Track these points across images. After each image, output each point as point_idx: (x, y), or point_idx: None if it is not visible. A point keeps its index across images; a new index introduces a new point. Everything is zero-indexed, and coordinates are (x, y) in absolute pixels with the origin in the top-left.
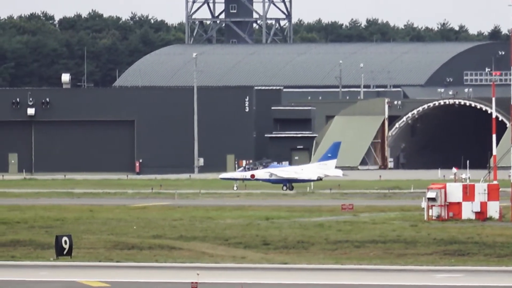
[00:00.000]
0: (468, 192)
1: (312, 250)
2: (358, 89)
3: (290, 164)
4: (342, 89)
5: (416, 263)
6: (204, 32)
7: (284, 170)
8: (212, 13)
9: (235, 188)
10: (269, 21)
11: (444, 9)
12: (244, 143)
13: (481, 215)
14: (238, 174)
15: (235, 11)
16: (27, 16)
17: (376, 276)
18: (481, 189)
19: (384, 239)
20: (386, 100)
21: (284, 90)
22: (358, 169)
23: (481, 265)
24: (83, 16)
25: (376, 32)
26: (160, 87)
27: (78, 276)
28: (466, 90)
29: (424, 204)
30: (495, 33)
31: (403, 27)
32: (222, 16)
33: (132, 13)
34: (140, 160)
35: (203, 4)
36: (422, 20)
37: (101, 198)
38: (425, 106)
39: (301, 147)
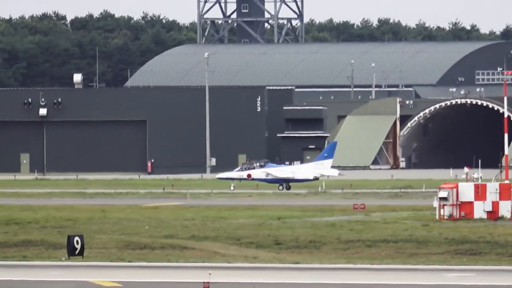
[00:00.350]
0: (480, 192)
1: (324, 250)
2: (370, 89)
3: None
4: (354, 89)
5: (428, 263)
6: (215, 32)
7: (280, 170)
8: (223, 13)
9: (232, 188)
10: (280, 21)
11: (456, 8)
12: (256, 143)
13: (493, 214)
14: (235, 174)
15: (246, 10)
16: (39, 16)
17: (388, 276)
18: (492, 188)
19: (396, 239)
20: (398, 99)
21: (296, 90)
22: (370, 169)
23: (493, 264)
24: (95, 16)
25: (388, 32)
26: (172, 87)
27: (90, 276)
28: (477, 89)
29: (435, 204)
30: (507, 32)
31: (414, 27)
32: (234, 15)
33: (143, 13)
34: (152, 160)
35: (215, 3)
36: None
37: (113, 198)
38: (437, 105)
39: (313, 146)
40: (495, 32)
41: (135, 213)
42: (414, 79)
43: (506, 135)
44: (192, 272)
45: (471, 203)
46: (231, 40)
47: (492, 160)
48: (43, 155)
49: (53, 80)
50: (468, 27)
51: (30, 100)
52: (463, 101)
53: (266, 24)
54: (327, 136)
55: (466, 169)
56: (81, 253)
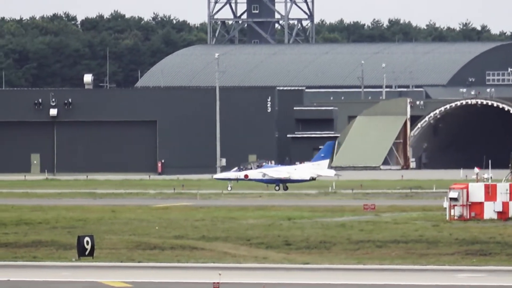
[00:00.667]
0: (490, 192)
1: (334, 250)
2: (380, 89)
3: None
4: (364, 89)
5: (438, 263)
6: (226, 32)
7: (276, 170)
8: (234, 13)
9: (229, 188)
10: (291, 21)
11: (466, 9)
12: (266, 143)
13: (503, 215)
14: (232, 174)
15: (257, 11)
16: (50, 16)
17: (398, 276)
18: (503, 189)
19: (406, 239)
20: (408, 100)
21: (306, 90)
22: (380, 169)
23: (503, 265)
24: (105, 17)
25: (398, 32)
26: (182, 87)
27: (100, 277)
28: (488, 90)
29: (446, 204)
30: None
31: (425, 27)
32: (244, 16)
33: (154, 13)
34: (162, 161)
35: (225, 4)
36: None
37: (123, 198)
38: (447, 106)
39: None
40: (505, 33)
41: (145, 214)
42: (424, 80)
43: None
44: (202, 272)
45: (481, 203)
46: (241, 41)
47: (503, 160)
48: (53, 155)
49: (63, 81)
50: (479, 28)
51: (40, 100)
52: (474, 101)
53: (276, 25)
54: (337, 137)
55: (476, 170)
56: (91, 253)
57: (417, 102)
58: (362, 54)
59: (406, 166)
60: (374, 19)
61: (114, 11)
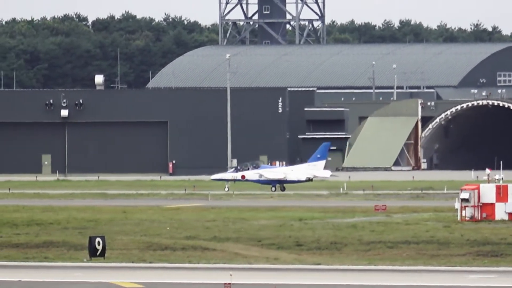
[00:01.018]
0: (502, 193)
1: (345, 251)
2: (391, 90)
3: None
4: (375, 90)
5: (449, 264)
6: (237, 33)
7: (273, 171)
8: (245, 14)
9: (226, 189)
10: (302, 22)
11: (478, 10)
12: (277, 144)
13: None
14: (229, 175)
15: (268, 12)
16: (61, 17)
17: (409, 277)
18: None
19: (417, 240)
20: (419, 101)
21: (317, 91)
22: (391, 170)
23: None
24: (116, 18)
25: (409, 33)
26: (193, 88)
27: (111, 277)
28: (499, 91)
29: (457, 205)
30: None
31: (436, 28)
32: (255, 17)
33: (165, 14)
34: (174, 161)
35: (236, 5)
36: (455, 21)
37: (134, 199)
38: (458, 107)
39: (334, 148)
40: None
41: (157, 214)
42: (435, 81)
43: None
44: (214, 273)
45: (492, 204)
46: (252, 42)
47: None
48: (64, 156)
49: (74, 81)
50: (490, 29)
51: (51, 101)
52: (485, 102)
53: (287, 26)
54: (348, 137)
55: (487, 171)
56: (102, 254)
57: (428, 103)
58: (373, 55)
59: (417, 167)
60: (385, 20)
61: (125, 11)
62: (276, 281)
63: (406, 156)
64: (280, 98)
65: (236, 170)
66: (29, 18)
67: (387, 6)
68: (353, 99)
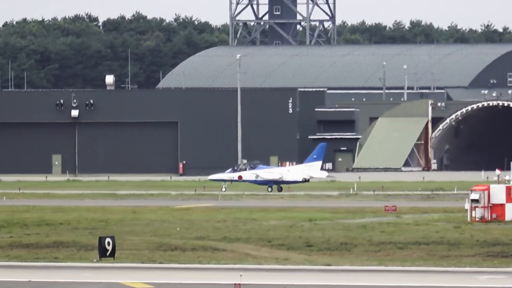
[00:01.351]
0: None
1: (355, 252)
2: (402, 91)
3: (334, 166)
4: (386, 91)
5: (459, 265)
6: (247, 33)
7: (269, 172)
8: (255, 15)
9: (223, 189)
10: (312, 23)
11: (488, 10)
12: (288, 144)
13: None
14: (226, 175)
15: (279, 12)
16: (72, 17)
17: (419, 278)
18: None
19: (427, 241)
20: (430, 101)
21: (328, 91)
22: (402, 171)
23: None
24: (127, 18)
25: (420, 34)
26: (203, 88)
27: (121, 278)
28: (510, 91)
29: (467, 206)
30: None
31: (446, 29)
32: (266, 17)
33: (176, 14)
34: (184, 162)
35: (247, 5)
36: (466, 21)
37: (144, 199)
38: (469, 107)
39: (345, 148)
40: None
41: (167, 215)
42: (446, 81)
43: None
44: (224, 273)
45: (502, 205)
46: (263, 42)
47: None
48: (75, 156)
49: (85, 82)
50: (501, 30)
51: (62, 101)
52: (495, 103)
53: (298, 26)
54: (359, 138)
55: (497, 171)
56: (112, 254)
57: (439, 104)
58: (383, 55)
59: (427, 168)
60: (396, 21)
61: (136, 12)
62: (286, 281)
63: (416, 156)
64: (291, 99)
65: (234, 170)
66: (40, 19)
67: (398, 7)
68: (364, 99)
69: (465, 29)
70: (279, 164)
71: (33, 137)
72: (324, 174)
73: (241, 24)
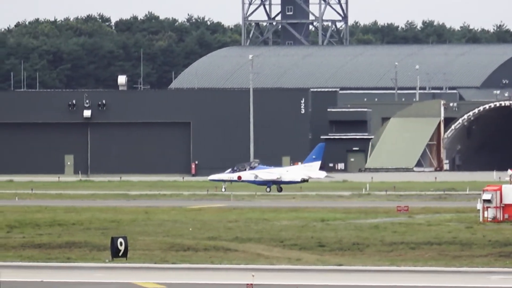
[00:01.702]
0: None
1: (367, 252)
2: (414, 91)
3: (346, 166)
4: (398, 91)
5: (471, 265)
6: (260, 33)
7: (268, 172)
8: (268, 15)
9: (223, 189)
10: (325, 23)
11: (500, 10)
12: (300, 144)
13: None
14: (226, 175)
15: (291, 13)
16: (84, 18)
17: (431, 278)
18: None
19: (439, 241)
20: (442, 102)
21: (340, 92)
22: (414, 171)
23: None
24: (139, 18)
25: (432, 34)
26: (216, 89)
27: (134, 278)
28: None
29: (479, 206)
30: None
31: (459, 29)
32: (278, 17)
33: (188, 15)
34: (196, 162)
35: (259, 6)
36: (478, 21)
37: (156, 199)
38: (481, 108)
39: (357, 149)
40: None
41: (179, 215)
42: (458, 82)
43: None
44: (236, 274)
45: None
46: (275, 42)
47: None
48: (87, 156)
49: (97, 82)
50: None
51: (74, 101)
52: (507, 103)
53: (310, 26)
54: (371, 138)
55: (510, 171)
56: (124, 254)
57: (451, 104)
58: (396, 55)
59: (439, 168)
60: (408, 21)
61: (148, 12)
62: (298, 281)
63: (428, 157)
64: (303, 99)
65: (233, 170)
66: (52, 19)
67: (410, 7)
68: (376, 100)
69: (477, 29)
70: (291, 164)
71: (45, 137)
72: (322, 174)
73: (253, 24)
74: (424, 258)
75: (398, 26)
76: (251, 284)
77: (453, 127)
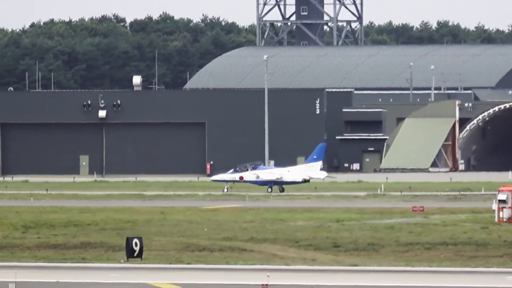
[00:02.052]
0: None
1: (383, 252)
2: (429, 91)
3: (361, 167)
4: (413, 91)
5: (487, 265)
6: (275, 34)
7: (269, 172)
8: (283, 15)
9: (225, 190)
10: (340, 23)
11: None
12: (315, 145)
13: None
14: (228, 176)
15: (306, 13)
16: (99, 18)
17: (447, 278)
18: None
19: (455, 241)
20: (457, 102)
21: (355, 92)
22: (429, 171)
23: None
24: (154, 18)
25: (447, 34)
26: (231, 89)
27: (149, 278)
28: None
29: (495, 206)
30: None
31: (474, 29)
32: (293, 18)
33: (203, 15)
34: (211, 162)
35: (274, 6)
36: (493, 22)
37: (172, 200)
38: (496, 108)
39: (372, 149)
40: None
41: (194, 215)
42: (473, 82)
43: None
44: (251, 274)
45: None
46: (290, 43)
47: None
48: (102, 157)
49: (112, 82)
50: None
51: (89, 102)
52: None
53: (325, 27)
54: (386, 139)
55: None
56: (140, 255)
57: (466, 104)
58: (410, 56)
59: (454, 168)
60: (423, 21)
61: (163, 12)
62: (313, 282)
63: (443, 157)
64: (318, 99)
65: (235, 171)
66: (67, 19)
67: (424, 7)
68: (391, 100)
69: (492, 30)
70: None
71: (60, 138)
72: (323, 175)
73: (268, 24)
74: (439, 259)
75: (413, 27)
76: (267, 285)
77: (468, 127)
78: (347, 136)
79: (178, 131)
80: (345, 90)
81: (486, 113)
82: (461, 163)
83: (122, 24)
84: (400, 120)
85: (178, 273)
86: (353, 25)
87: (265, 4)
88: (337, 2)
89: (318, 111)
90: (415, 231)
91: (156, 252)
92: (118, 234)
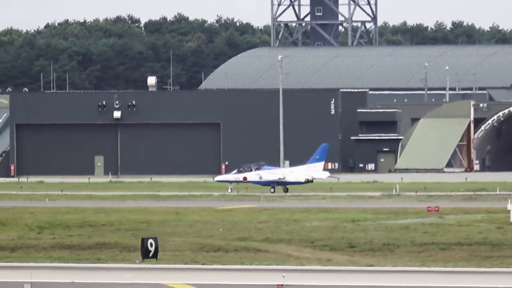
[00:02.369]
0: None
1: (398, 253)
2: (444, 92)
3: (376, 167)
4: (428, 92)
5: (502, 266)
6: (289, 34)
7: (272, 173)
8: (297, 16)
9: (229, 190)
10: (354, 24)
11: None
12: (330, 145)
13: None
14: (232, 176)
15: (320, 13)
16: (113, 19)
17: (462, 278)
18: None
19: (470, 241)
20: (472, 102)
21: (370, 92)
22: (444, 172)
23: None
24: (168, 19)
25: (462, 35)
26: (245, 89)
27: (164, 279)
28: None
29: (510, 206)
30: None
31: (488, 29)
32: (308, 18)
33: (217, 16)
34: (226, 163)
35: (289, 6)
36: (508, 22)
37: (187, 200)
38: (511, 108)
39: (387, 149)
40: None
41: (209, 216)
42: (487, 82)
43: None
44: (266, 274)
45: None
46: (304, 43)
47: None
48: (117, 157)
49: (127, 83)
50: None
51: (104, 102)
52: None
53: (339, 27)
54: (401, 139)
55: None
56: (155, 255)
57: (481, 105)
58: (425, 56)
59: (469, 169)
60: (437, 21)
61: (178, 13)
62: (328, 282)
63: (458, 157)
64: (333, 99)
65: (239, 171)
66: (81, 20)
67: (439, 8)
68: (406, 100)
69: (507, 30)
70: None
71: (75, 138)
72: (325, 175)
73: (282, 25)
74: (454, 259)
75: (427, 27)
76: (282, 285)
77: (483, 127)
78: (362, 136)
79: (193, 132)
80: (360, 90)
81: (501, 113)
82: (476, 163)
83: (136, 24)
84: (414, 120)
85: (193, 273)
86: (368, 25)
87: (279, 4)
88: (352, 2)
89: (333, 112)
90: (430, 231)
91: (171, 252)
92: (133, 235)
